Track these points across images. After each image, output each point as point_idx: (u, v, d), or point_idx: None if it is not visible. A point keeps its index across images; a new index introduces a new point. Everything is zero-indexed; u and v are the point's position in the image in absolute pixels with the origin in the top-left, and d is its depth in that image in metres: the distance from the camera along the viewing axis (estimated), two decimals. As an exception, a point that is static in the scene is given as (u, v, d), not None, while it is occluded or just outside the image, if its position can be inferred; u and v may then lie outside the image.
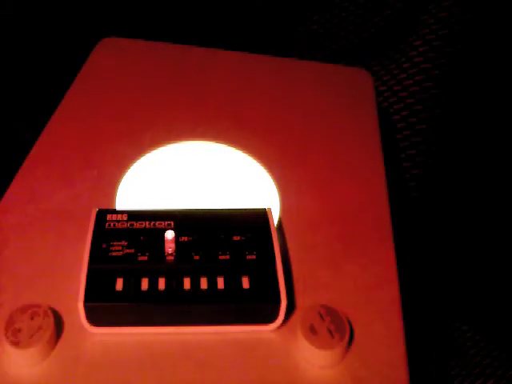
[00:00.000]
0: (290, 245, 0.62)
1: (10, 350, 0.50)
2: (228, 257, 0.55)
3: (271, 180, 0.69)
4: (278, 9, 1.19)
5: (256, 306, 0.53)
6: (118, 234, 0.56)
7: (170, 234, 0.55)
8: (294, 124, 0.78)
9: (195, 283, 0.52)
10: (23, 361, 0.51)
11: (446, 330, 0.99)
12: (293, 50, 1.17)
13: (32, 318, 0.51)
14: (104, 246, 0.55)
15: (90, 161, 0.70)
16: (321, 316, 0.54)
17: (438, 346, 0.97)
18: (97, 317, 0.52)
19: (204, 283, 0.52)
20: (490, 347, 0.94)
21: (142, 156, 0.71)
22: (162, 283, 0.52)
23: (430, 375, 0.93)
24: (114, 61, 0.87)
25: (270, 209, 0.60)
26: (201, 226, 0.57)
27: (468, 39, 1.04)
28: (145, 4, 1.23)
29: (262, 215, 0.59)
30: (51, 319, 0.51)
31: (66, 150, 0.71)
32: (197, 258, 0.54)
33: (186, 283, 0.52)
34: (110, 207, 0.64)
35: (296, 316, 0.55)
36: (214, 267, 0.54)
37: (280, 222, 0.64)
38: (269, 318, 0.54)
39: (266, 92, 0.83)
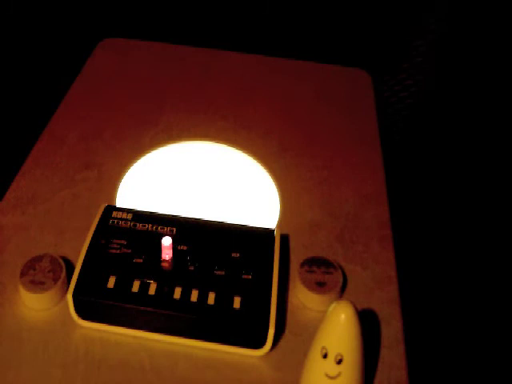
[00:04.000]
0: (290, 245, 0.62)
1: (25, 294, 0.54)
2: (223, 273, 0.53)
3: (271, 180, 0.69)
4: (279, 11, 1.19)
5: (243, 328, 0.51)
6: (120, 232, 0.56)
7: (167, 241, 0.53)
8: (294, 124, 0.78)
9: (186, 294, 0.51)
10: (38, 305, 0.54)
11: (446, 329, 0.99)
12: (293, 50, 1.17)
13: (46, 267, 0.55)
14: (103, 241, 0.54)
15: (90, 161, 0.70)
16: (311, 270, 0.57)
17: (438, 345, 0.97)
18: (85, 311, 0.52)
19: (195, 296, 0.51)
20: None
21: (141, 156, 0.71)
22: (152, 288, 0.51)
23: (429, 375, 0.93)
24: (114, 61, 0.87)
25: (278, 231, 0.58)
26: (202, 237, 0.56)
27: (468, 39, 1.05)
28: (145, 4, 1.24)
29: (268, 236, 0.57)
30: (63, 267, 0.55)
31: (66, 150, 0.71)
32: (192, 268, 0.53)
33: (177, 293, 0.51)
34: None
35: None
36: (207, 281, 0.52)
37: (280, 222, 0.65)
38: (257, 342, 0.51)
39: (266, 92, 0.83)
